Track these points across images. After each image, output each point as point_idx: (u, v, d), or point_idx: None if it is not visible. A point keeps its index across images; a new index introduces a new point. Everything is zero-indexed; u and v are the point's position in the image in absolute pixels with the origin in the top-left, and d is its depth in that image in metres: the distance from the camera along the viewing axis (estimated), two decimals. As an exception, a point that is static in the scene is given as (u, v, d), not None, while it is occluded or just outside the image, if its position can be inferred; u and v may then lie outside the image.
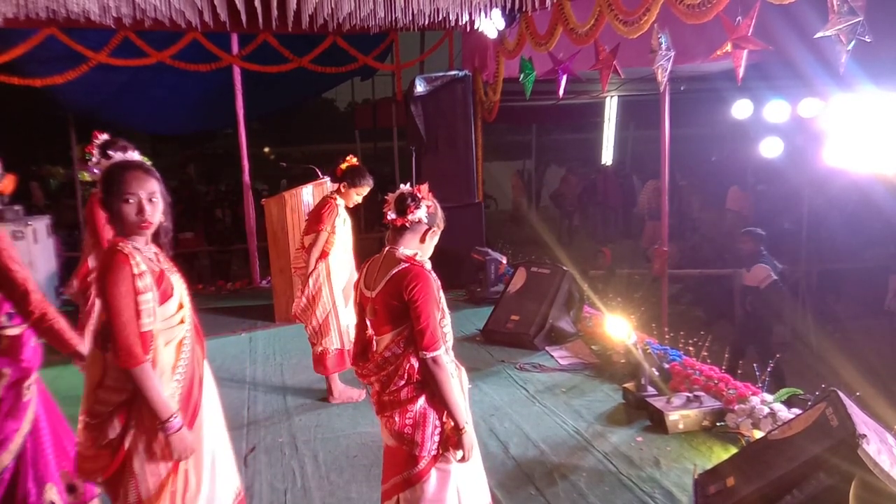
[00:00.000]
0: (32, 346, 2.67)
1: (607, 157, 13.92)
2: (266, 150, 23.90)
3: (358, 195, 4.43)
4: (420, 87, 7.76)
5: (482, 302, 6.73)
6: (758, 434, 3.62)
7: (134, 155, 2.28)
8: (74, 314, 3.50)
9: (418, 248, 2.40)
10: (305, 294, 4.39)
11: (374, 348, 2.44)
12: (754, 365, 4.31)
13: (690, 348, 4.73)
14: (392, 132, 11.52)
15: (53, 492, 2.71)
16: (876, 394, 4.16)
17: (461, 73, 7.97)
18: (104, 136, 3.68)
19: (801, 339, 7.32)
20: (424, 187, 2.41)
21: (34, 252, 6.75)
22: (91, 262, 3.94)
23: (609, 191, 13.97)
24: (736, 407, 3.88)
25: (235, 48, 7.75)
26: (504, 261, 7.27)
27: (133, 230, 2.19)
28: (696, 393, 4.07)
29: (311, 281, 4.36)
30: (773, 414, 3.67)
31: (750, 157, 10.34)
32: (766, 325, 6.51)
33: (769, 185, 10.83)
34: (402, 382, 2.30)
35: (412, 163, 8.15)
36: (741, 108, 7.86)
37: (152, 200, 2.20)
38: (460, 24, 7.22)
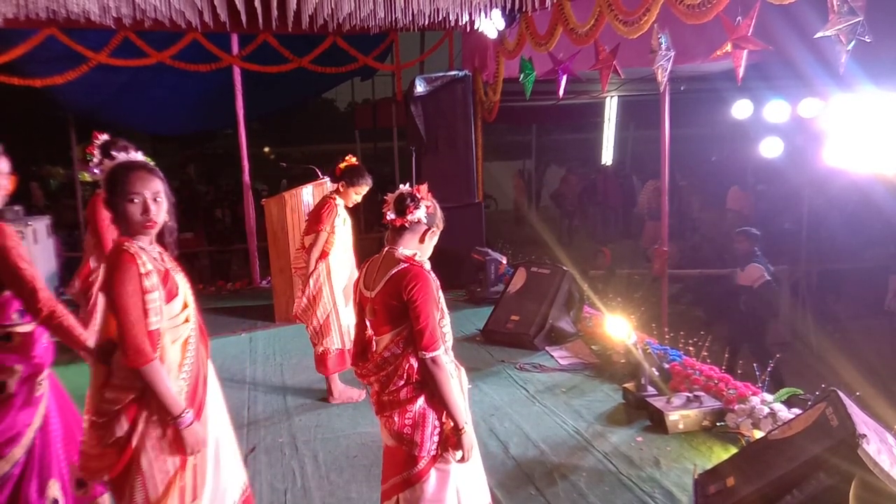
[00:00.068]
0: (44, 342, 2.68)
1: (607, 157, 13.92)
2: (266, 150, 23.89)
3: (357, 194, 4.43)
4: (420, 88, 7.76)
5: (482, 302, 6.73)
6: (758, 434, 3.62)
7: (137, 155, 2.30)
8: (75, 314, 3.50)
9: (417, 249, 2.40)
10: (306, 294, 4.39)
11: (374, 348, 2.44)
12: (754, 365, 4.31)
13: (690, 348, 4.73)
14: (392, 132, 11.52)
15: (56, 488, 2.71)
16: (876, 394, 4.16)
17: (461, 73, 7.97)
18: (104, 137, 3.68)
19: (801, 339, 7.33)
20: (424, 187, 2.41)
21: (34, 252, 6.76)
22: (93, 263, 3.94)
23: (609, 191, 13.98)
24: (736, 407, 3.88)
25: (235, 48, 7.75)
26: (504, 261, 7.27)
27: (138, 230, 2.20)
28: (696, 393, 4.07)
29: (311, 281, 4.36)
30: (773, 414, 3.67)
31: (750, 157, 10.35)
32: (760, 324, 6.52)
33: (769, 185, 10.84)
34: (402, 382, 2.30)
35: (412, 163, 8.15)
36: (741, 108, 7.86)
37: (157, 200, 2.21)
38: (460, 24, 7.23)
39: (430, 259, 2.44)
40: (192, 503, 2.25)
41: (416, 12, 6.70)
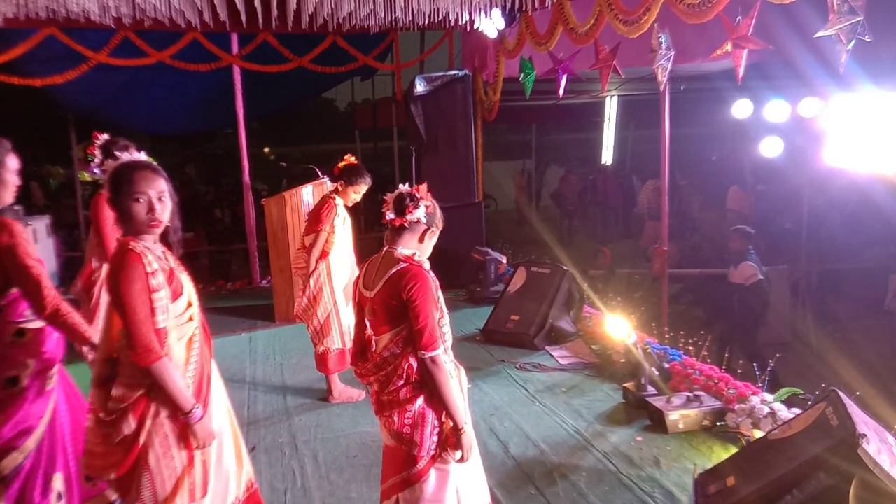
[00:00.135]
0: (55, 338, 2.73)
1: (607, 156, 13.92)
2: (266, 150, 23.89)
3: (356, 193, 4.43)
4: (420, 87, 7.76)
5: (482, 302, 6.73)
6: (758, 434, 3.62)
7: (140, 155, 2.31)
8: (77, 312, 3.50)
9: (417, 248, 2.40)
10: (307, 294, 4.39)
11: (373, 348, 2.44)
12: (754, 365, 4.31)
13: (690, 348, 4.73)
14: (392, 132, 11.52)
15: (59, 481, 2.75)
16: (876, 394, 4.16)
17: (461, 73, 7.97)
18: (104, 136, 3.68)
19: (801, 339, 7.33)
20: (423, 187, 2.41)
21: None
22: (95, 262, 3.94)
23: (609, 191, 13.98)
24: (736, 407, 3.88)
25: (235, 48, 7.75)
26: (504, 261, 7.27)
27: (143, 229, 2.21)
28: (696, 393, 4.07)
29: (311, 281, 4.36)
30: (773, 414, 3.67)
31: (750, 157, 10.35)
32: (750, 323, 6.53)
33: (769, 184, 10.83)
34: (401, 382, 2.30)
35: (412, 163, 8.15)
36: (741, 108, 7.86)
37: (161, 199, 2.22)
38: (460, 23, 7.22)
39: (429, 259, 2.44)
40: (201, 499, 2.27)
41: (416, 12, 6.70)
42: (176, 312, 2.23)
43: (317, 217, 4.35)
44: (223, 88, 8.04)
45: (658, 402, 4.03)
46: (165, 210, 2.24)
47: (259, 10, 6.50)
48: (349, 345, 4.33)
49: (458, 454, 2.31)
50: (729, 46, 4.03)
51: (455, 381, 2.37)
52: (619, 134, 13.94)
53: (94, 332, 2.69)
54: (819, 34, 3.36)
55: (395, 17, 6.94)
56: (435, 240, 2.47)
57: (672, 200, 6.67)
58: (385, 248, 2.42)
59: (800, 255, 8.43)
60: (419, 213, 2.35)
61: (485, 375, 4.94)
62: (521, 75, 6.61)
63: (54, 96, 8.16)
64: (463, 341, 5.67)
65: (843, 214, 9.00)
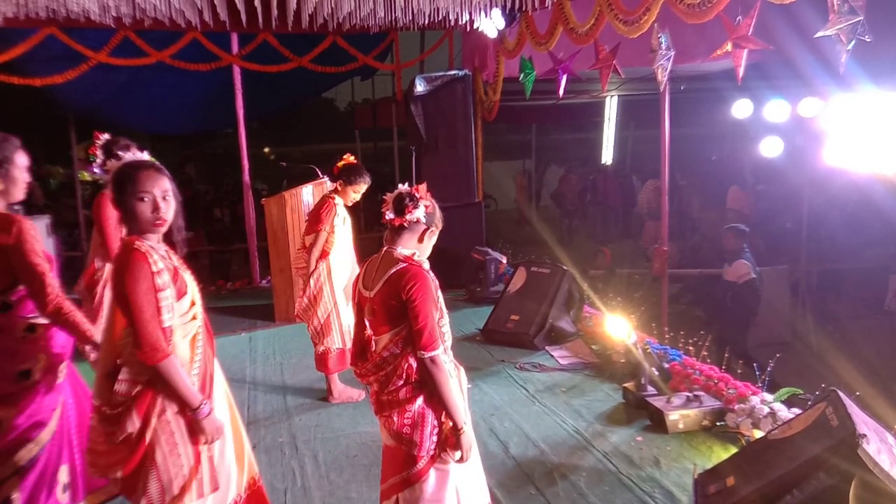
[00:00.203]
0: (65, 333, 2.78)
1: (607, 156, 13.91)
2: (266, 150, 23.89)
3: (355, 193, 4.43)
4: (420, 87, 7.76)
5: (482, 302, 6.73)
6: (758, 434, 3.62)
7: (142, 154, 2.32)
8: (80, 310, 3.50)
9: (416, 248, 2.40)
10: (307, 294, 4.39)
11: (373, 348, 2.45)
12: (754, 364, 4.31)
13: (690, 348, 4.73)
14: (392, 132, 11.52)
15: (65, 473, 2.81)
16: (876, 394, 4.15)
17: (461, 73, 7.97)
18: (105, 136, 3.69)
19: (801, 339, 7.32)
20: (422, 187, 2.41)
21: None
22: (97, 262, 3.95)
23: (609, 191, 13.97)
24: (736, 407, 3.88)
25: (235, 48, 7.75)
26: (504, 260, 7.27)
27: (147, 228, 2.22)
28: (696, 392, 4.07)
29: (312, 281, 4.36)
30: (773, 414, 3.67)
31: (750, 157, 10.34)
32: (741, 320, 6.54)
33: (769, 184, 10.83)
34: (401, 382, 2.30)
35: (412, 163, 8.15)
36: (741, 108, 7.86)
37: (165, 198, 2.24)
38: (460, 23, 7.22)
39: (429, 259, 2.44)
40: (211, 493, 2.28)
41: (416, 11, 6.70)
42: (180, 311, 2.24)
43: (316, 217, 4.35)
44: (223, 88, 8.04)
45: (658, 402, 4.03)
46: (170, 209, 2.25)
47: (259, 9, 6.50)
48: (349, 344, 4.33)
49: (458, 454, 2.31)
50: (729, 46, 4.03)
51: (455, 381, 2.37)
52: (619, 134, 13.93)
53: (96, 331, 2.73)
54: (819, 34, 3.36)
55: (395, 17, 6.94)
56: (434, 240, 2.47)
57: (672, 200, 6.68)
58: (384, 248, 2.42)
59: (800, 255, 8.43)
60: (418, 213, 2.35)
61: (485, 375, 4.94)
62: (521, 75, 6.61)
63: (54, 96, 8.16)
64: (463, 341, 5.67)
65: (843, 214, 8.99)
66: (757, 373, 4.12)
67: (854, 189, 8.10)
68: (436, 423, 2.32)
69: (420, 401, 2.31)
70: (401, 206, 2.35)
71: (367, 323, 2.48)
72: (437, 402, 2.29)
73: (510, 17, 6.73)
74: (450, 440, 2.31)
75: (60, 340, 2.75)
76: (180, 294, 2.25)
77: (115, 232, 3.65)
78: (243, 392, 4.78)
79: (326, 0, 6.42)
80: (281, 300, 6.56)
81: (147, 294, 2.13)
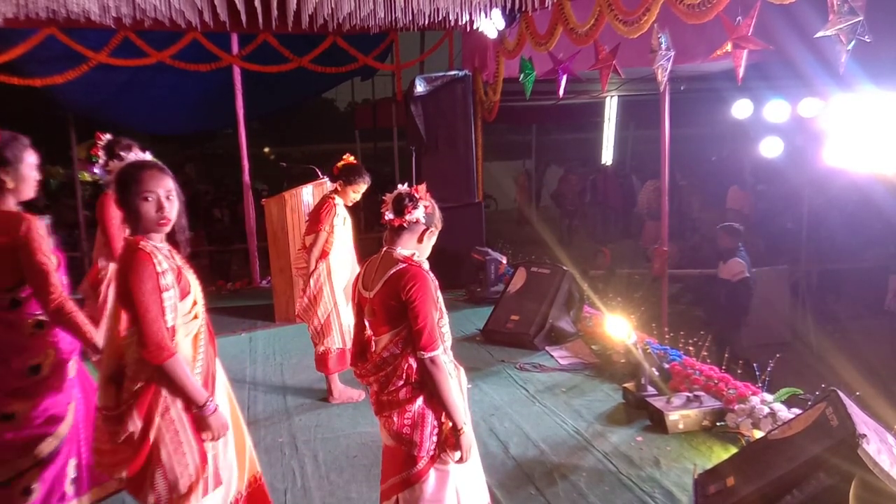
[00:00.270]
0: None
1: (607, 157, 13.92)
2: (266, 150, 23.90)
3: (355, 193, 4.43)
4: (420, 87, 7.76)
5: (482, 302, 6.73)
6: (758, 434, 3.62)
7: (145, 154, 2.34)
8: (82, 310, 3.51)
9: (416, 249, 2.40)
10: (307, 294, 4.39)
11: (373, 349, 2.45)
12: (754, 364, 4.31)
13: (690, 348, 4.73)
14: (392, 132, 11.52)
15: (72, 466, 2.87)
16: (876, 394, 4.15)
17: (461, 73, 7.97)
18: (108, 137, 3.69)
19: (801, 339, 7.32)
20: (422, 187, 2.41)
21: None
22: (101, 262, 3.96)
23: (609, 191, 13.96)
24: (736, 407, 3.88)
25: (235, 48, 7.75)
26: (504, 261, 7.26)
27: (152, 227, 2.23)
28: (696, 393, 4.07)
29: (311, 281, 4.36)
30: (773, 414, 3.67)
31: (750, 157, 10.34)
32: (733, 318, 6.55)
33: (769, 184, 10.83)
34: (401, 383, 2.30)
35: (412, 163, 8.15)
36: (741, 108, 7.86)
37: (169, 198, 2.25)
38: (460, 24, 7.22)
39: (429, 259, 2.44)
40: (214, 489, 2.29)
41: (416, 12, 6.70)
42: (183, 311, 2.25)
43: (316, 217, 4.36)
44: (223, 88, 8.04)
45: (658, 403, 4.03)
46: (173, 209, 2.26)
47: (259, 10, 6.50)
48: (349, 345, 4.33)
49: (458, 454, 2.31)
50: (729, 46, 4.03)
51: (455, 381, 2.37)
52: (619, 134, 13.94)
53: (97, 334, 2.76)
54: (819, 34, 3.36)
55: (395, 18, 6.94)
56: (434, 240, 2.47)
57: (672, 200, 6.68)
58: (384, 249, 2.42)
59: (800, 255, 8.43)
60: (418, 214, 2.35)
61: (485, 375, 4.94)
62: (521, 75, 6.61)
63: (54, 96, 8.16)
64: (463, 341, 5.67)
65: (843, 214, 9.00)
66: (757, 373, 4.12)
67: (854, 189, 8.10)
68: (436, 423, 2.32)
69: (420, 401, 2.31)
70: (400, 207, 2.35)
71: (366, 323, 2.48)
72: (437, 402, 2.29)
73: (510, 17, 6.73)
74: (450, 440, 2.31)
75: (69, 337, 2.80)
76: (183, 294, 2.26)
77: (119, 232, 3.67)
78: (243, 392, 4.78)
79: (326, 0, 6.42)
80: (281, 300, 6.56)
81: (152, 294, 2.14)
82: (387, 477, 2.41)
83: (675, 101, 5.53)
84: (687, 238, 10.66)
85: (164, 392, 2.19)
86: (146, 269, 2.15)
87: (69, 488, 2.84)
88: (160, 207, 2.22)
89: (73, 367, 2.85)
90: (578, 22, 5.55)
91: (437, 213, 2.45)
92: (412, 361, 2.29)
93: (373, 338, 2.46)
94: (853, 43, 3.25)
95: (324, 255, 4.35)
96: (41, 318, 2.72)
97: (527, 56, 6.59)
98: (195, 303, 2.32)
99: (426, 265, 2.38)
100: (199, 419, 2.23)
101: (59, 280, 2.68)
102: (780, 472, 2.73)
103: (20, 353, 2.69)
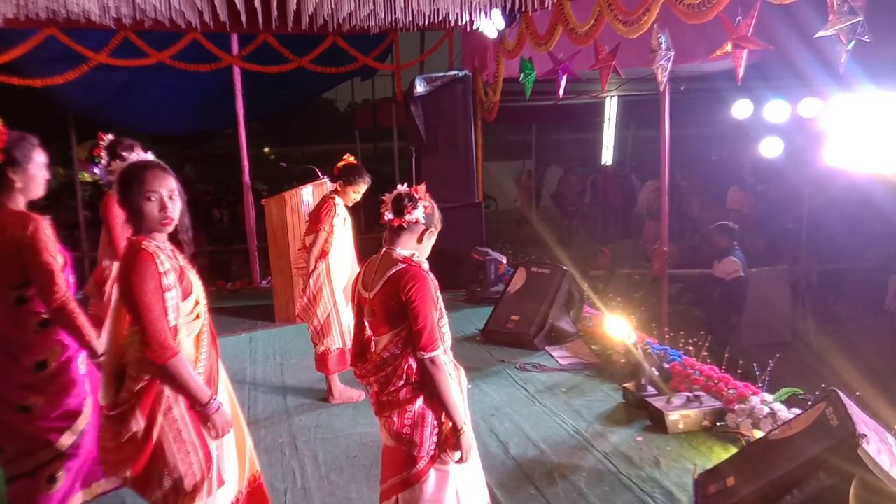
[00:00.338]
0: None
1: (607, 157, 13.92)
2: (266, 150, 23.91)
3: (355, 193, 4.43)
4: (420, 88, 7.76)
5: (482, 302, 6.73)
6: (758, 434, 3.62)
7: (148, 155, 2.34)
8: (85, 310, 3.51)
9: (416, 249, 2.40)
10: (306, 294, 4.39)
11: (373, 349, 2.45)
12: (754, 364, 4.31)
13: (690, 348, 4.73)
14: (392, 132, 11.53)
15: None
16: (876, 394, 4.15)
17: (461, 73, 7.97)
18: (110, 137, 3.70)
19: (801, 339, 7.32)
20: (422, 188, 2.41)
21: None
22: (105, 262, 3.97)
23: (609, 191, 13.96)
24: (736, 407, 3.88)
25: (235, 48, 7.75)
26: (504, 261, 7.26)
27: (155, 227, 2.24)
28: (696, 393, 4.07)
29: (311, 281, 4.37)
30: (773, 414, 3.67)
31: (750, 157, 10.34)
32: (725, 316, 6.55)
33: (769, 184, 10.83)
34: (401, 383, 2.30)
35: (412, 163, 8.15)
36: (741, 108, 7.86)
37: (172, 198, 2.26)
38: (460, 24, 7.22)
39: (429, 259, 2.44)
40: (218, 489, 2.30)
41: (416, 12, 6.70)
42: (185, 311, 2.26)
43: (317, 217, 4.36)
44: (223, 89, 8.04)
45: (658, 403, 4.03)
46: (176, 208, 2.27)
47: (259, 10, 6.49)
48: (349, 345, 4.33)
49: (458, 455, 2.31)
50: (729, 46, 4.03)
51: (454, 381, 2.37)
52: (619, 134, 13.94)
53: (97, 339, 2.78)
54: (819, 34, 3.36)
55: (395, 18, 6.94)
56: (433, 240, 2.47)
57: (672, 200, 6.68)
58: (384, 249, 2.42)
59: (800, 255, 8.42)
60: (417, 214, 2.35)
61: (485, 375, 4.94)
62: (521, 75, 6.61)
63: (54, 96, 8.15)
64: (463, 341, 5.67)
65: (843, 214, 8.99)
66: (757, 372, 4.12)
67: (854, 189, 8.09)
68: (436, 423, 2.32)
69: (420, 401, 2.31)
70: (400, 207, 2.35)
71: (366, 324, 2.48)
72: (437, 402, 2.29)
73: (510, 17, 6.73)
74: (450, 441, 2.31)
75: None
76: (186, 294, 2.26)
77: (123, 231, 3.68)
78: (243, 392, 4.78)
79: (326, 1, 6.42)
80: (281, 300, 6.56)
81: (154, 293, 2.15)
82: (387, 477, 2.41)
83: (675, 101, 5.53)
84: (687, 238, 10.65)
85: (167, 391, 2.20)
86: (148, 268, 2.15)
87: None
88: (163, 207, 2.23)
89: (82, 365, 2.89)
90: (578, 22, 5.55)
91: (437, 214, 2.45)
92: (412, 362, 2.29)
93: (373, 338, 2.46)
94: (853, 43, 3.25)
95: (323, 254, 4.35)
96: (46, 316, 2.75)
97: (527, 56, 6.59)
98: (197, 303, 2.32)
99: (426, 265, 2.38)
100: (203, 417, 2.24)
101: (63, 280, 2.70)
102: (780, 472, 2.73)
103: (26, 349, 2.73)
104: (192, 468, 2.21)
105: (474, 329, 5.98)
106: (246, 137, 8.17)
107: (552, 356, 5.29)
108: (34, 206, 2.86)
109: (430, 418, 2.31)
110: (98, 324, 2.84)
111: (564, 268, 5.86)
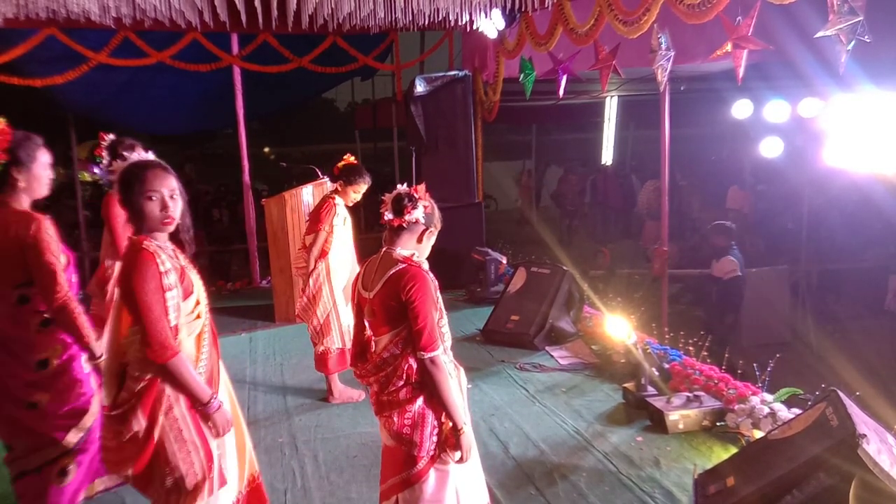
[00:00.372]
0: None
1: (607, 157, 13.91)
2: (266, 150, 23.90)
3: (355, 193, 4.44)
4: (420, 87, 7.76)
5: (482, 302, 6.73)
6: (758, 434, 3.62)
7: (149, 154, 2.35)
8: (87, 310, 3.51)
9: (415, 249, 2.40)
10: (306, 293, 4.39)
11: (373, 349, 2.45)
12: (754, 364, 4.31)
13: (690, 348, 4.73)
14: (392, 132, 11.51)
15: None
16: (876, 394, 4.15)
17: (461, 73, 7.97)
18: (111, 137, 3.70)
19: (801, 339, 7.32)
20: (421, 188, 2.41)
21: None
22: (108, 261, 3.98)
23: (609, 191, 13.95)
24: (736, 407, 3.88)
25: (235, 48, 7.75)
26: (504, 261, 7.26)
27: (156, 227, 2.24)
28: (696, 393, 4.07)
29: (311, 280, 4.37)
30: (773, 414, 3.67)
31: (750, 157, 10.34)
32: (721, 315, 6.55)
33: (769, 184, 10.83)
34: (401, 383, 2.30)
35: (412, 163, 8.15)
36: (741, 108, 7.85)
37: (173, 197, 2.26)
38: (460, 24, 7.22)
39: (429, 259, 2.44)
40: (220, 489, 2.30)
41: (416, 12, 6.69)
42: (186, 311, 2.26)
43: (317, 217, 4.37)
44: (223, 88, 8.04)
45: (658, 403, 4.03)
46: (177, 208, 2.27)
47: (259, 10, 6.49)
48: (349, 345, 4.33)
49: (458, 454, 2.31)
50: (729, 46, 4.03)
51: (454, 381, 2.37)
52: (619, 134, 13.93)
53: (96, 342, 2.80)
54: (819, 34, 3.36)
55: (395, 18, 6.94)
56: (433, 240, 2.47)
57: (672, 200, 6.68)
58: (384, 249, 2.42)
59: (800, 255, 8.42)
60: (417, 214, 2.35)
61: (485, 375, 4.94)
62: (521, 75, 6.61)
63: (54, 96, 8.15)
64: (463, 341, 5.67)
65: (843, 214, 8.99)
66: (757, 372, 4.12)
67: (854, 189, 8.09)
68: (436, 423, 2.32)
69: (420, 401, 2.31)
70: (399, 207, 2.35)
71: (366, 324, 2.48)
72: (437, 402, 2.29)
73: (510, 17, 6.73)
74: (450, 440, 2.31)
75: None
76: (186, 294, 2.27)
77: (125, 231, 3.68)
78: (243, 392, 4.78)
79: (326, 1, 6.41)
80: (281, 300, 6.56)
81: (155, 293, 2.15)
82: (387, 477, 2.41)
83: (675, 101, 5.53)
84: (687, 238, 10.65)
85: (168, 391, 2.20)
86: (149, 268, 2.16)
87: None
88: (164, 207, 2.23)
89: (86, 363, 2.91)
90: (578, 22, 5.55)
91: (437, 213, 2.45)
92: (412, 362, 2.29)
93: (373, 338, 2.46)
94: (853, 43, 3.25)
95: (323, 254, 4.35)
96: (47, 316, 2.76)
97: (527, 56, 6.59)
98: (198, 302, 2.32)
99: (426, 265, 2.38)
100: (204, 416, 2.24)
101: (65, 280, 2.72)
102: (780, 472, 2.73)
103: (28, 348, 2.75)
104: (193, 467, 2.22)
105: (474, 329, 5.98)
106: (246, 137, 8.17)
107: (552, 356, 5.29)
108: (35, 205, 2.86)
109: (430, 418, 2.31)
110: (101, 324, 2.84)
111: (564, 268, 5.86)
